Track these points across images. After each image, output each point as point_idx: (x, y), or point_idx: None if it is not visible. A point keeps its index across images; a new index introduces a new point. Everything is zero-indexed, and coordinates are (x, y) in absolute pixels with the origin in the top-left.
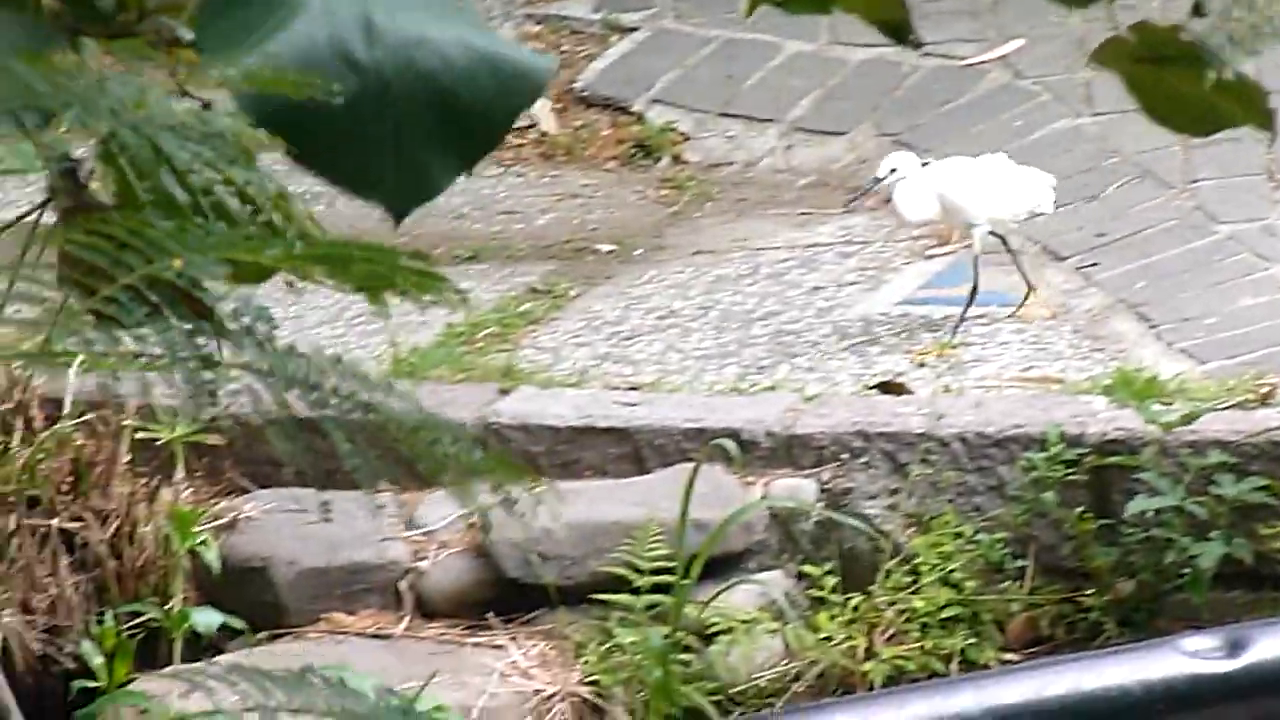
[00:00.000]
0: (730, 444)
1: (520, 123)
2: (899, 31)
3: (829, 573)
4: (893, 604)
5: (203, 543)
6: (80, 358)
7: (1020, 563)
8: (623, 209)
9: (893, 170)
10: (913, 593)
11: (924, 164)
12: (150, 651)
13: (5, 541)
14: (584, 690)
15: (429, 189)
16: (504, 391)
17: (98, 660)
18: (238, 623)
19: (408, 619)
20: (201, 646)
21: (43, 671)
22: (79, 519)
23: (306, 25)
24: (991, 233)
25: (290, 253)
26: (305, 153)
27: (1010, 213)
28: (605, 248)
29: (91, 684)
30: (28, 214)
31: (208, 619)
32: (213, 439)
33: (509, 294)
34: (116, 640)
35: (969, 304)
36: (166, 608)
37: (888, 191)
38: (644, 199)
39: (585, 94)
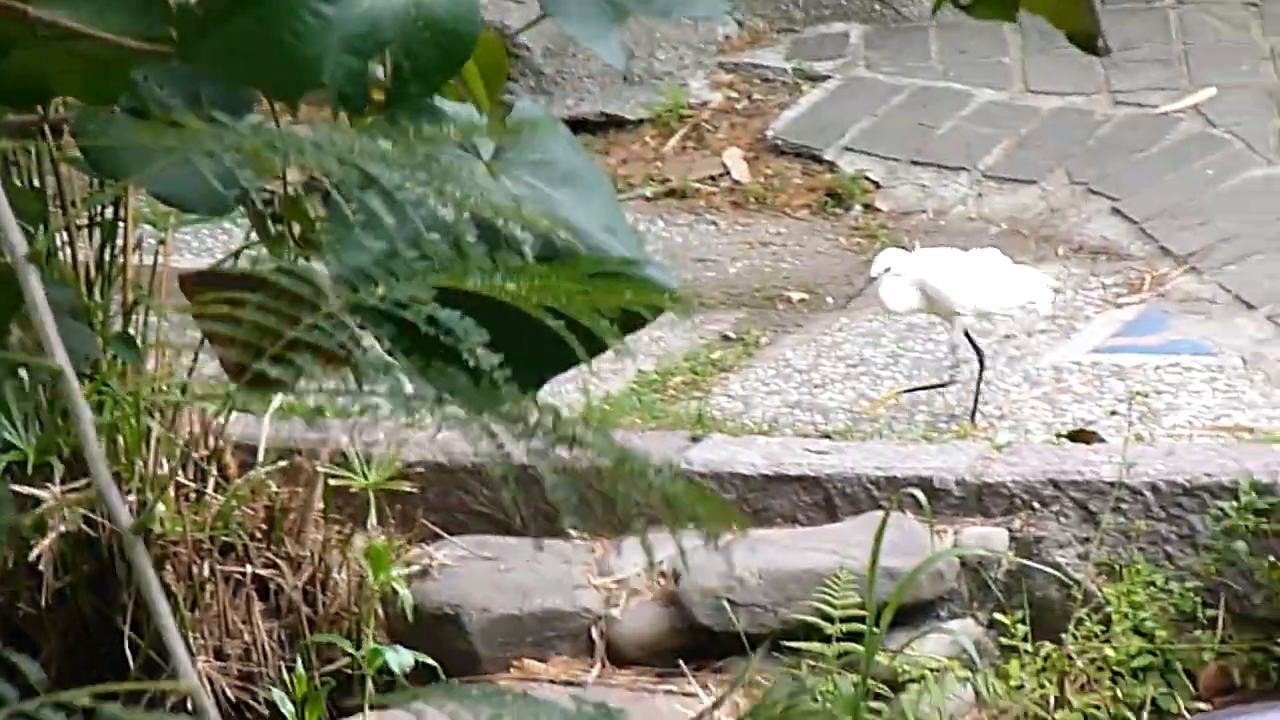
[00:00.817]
0: (920, 493)
1: (713, 171)
2: (1088, 41)
3: (1020, 621)
4: (1084, 652)
5: (396, 584)
6: (275, 403)
7: (1212, 611)
8: (814, 257)
9: (886, 269)
10: (1104, 641)
11: (909, 252)
12: (342, 698)
13: (199, 588)
14: None
15: None
16: (695, 439)
17: (289, 708)
18: (431, 662)
19: (599, 666)
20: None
21: (236, 719)
22: (273, 566)
23: None
24: (968, 334)
25: (501, 282)
26: None
27: (998, 305)
28: (796, 296)
29: None
30: (225, 259)
31: (401, 658)
32: (405, 485)
33: (700, 341)
34: (307, 687)
35: (979, 384)
36: (360, 653)
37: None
38: (835, 247)
39: (777, 142)
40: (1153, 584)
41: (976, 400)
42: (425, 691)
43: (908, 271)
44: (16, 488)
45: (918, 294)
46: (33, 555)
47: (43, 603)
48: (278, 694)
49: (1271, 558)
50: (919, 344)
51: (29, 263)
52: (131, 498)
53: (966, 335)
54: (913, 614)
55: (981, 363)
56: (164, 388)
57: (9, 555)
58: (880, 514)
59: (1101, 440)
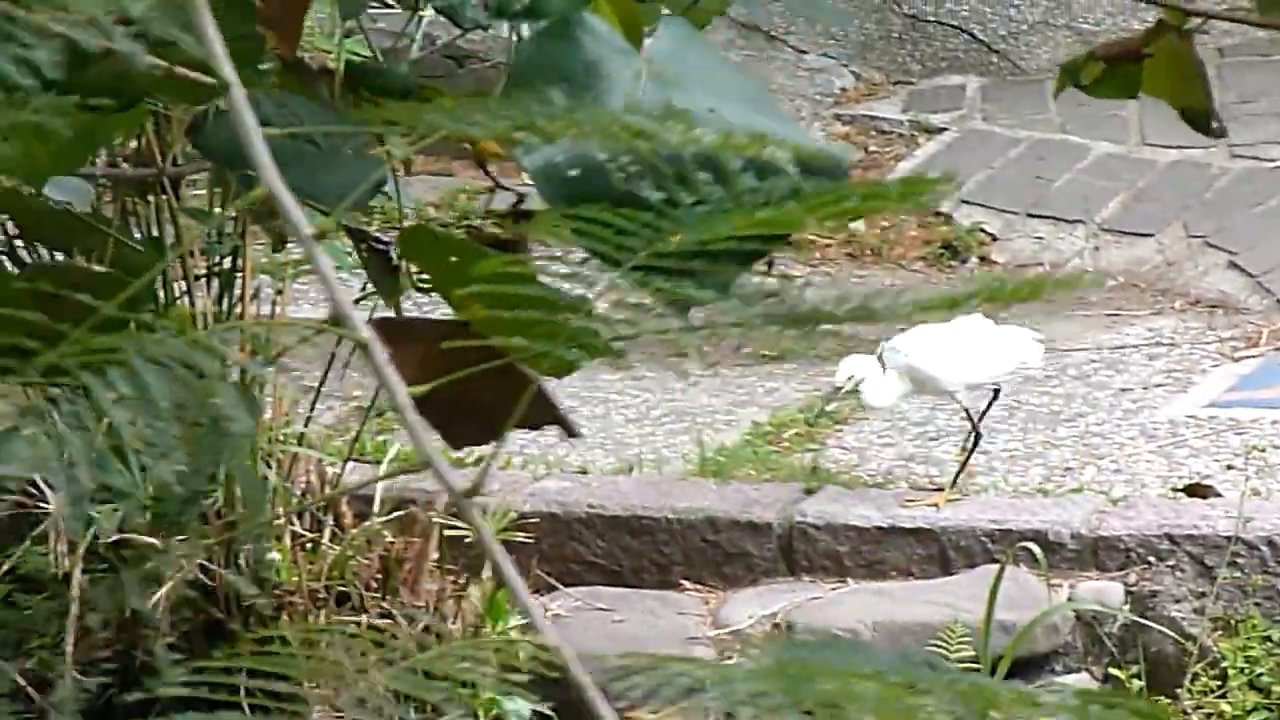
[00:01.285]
0: (1035, 546)
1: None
2: (1203, 120)
3: (1135, 676)
4: (1199, 708)
5: (512, 632)
6: (390, 455)
7: None
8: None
9: (850, 378)
10: (1219, 696)
11: (887, 342)
12: None
13: (315, 639)
14: None
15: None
16: (809, 491)
17: None
18: (547, 711)
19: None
20: None
21: None
22: (388, 616)
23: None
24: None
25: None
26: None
27: (988, 375)
28: None
29: None
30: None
31: (518, 708)
32: (519, 536)
33: (815, 393)
34: None
35: (970, 452)
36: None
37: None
38: (946, 280)
39: None
40: (1269, 639)
41: (963, 467)
42: None
43: (892, 359)
44: (132, 536)
45: (905, 382)
46: (149, 603)
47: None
48: None
49: None
50: (1034, 397)
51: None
52: (248, 547)
53: (965, 410)
54: (1027, 668)
55: (977, 436)
56: (281, 438)
57: (126, 605)
58: (995, 567)
59: (1218, 495)
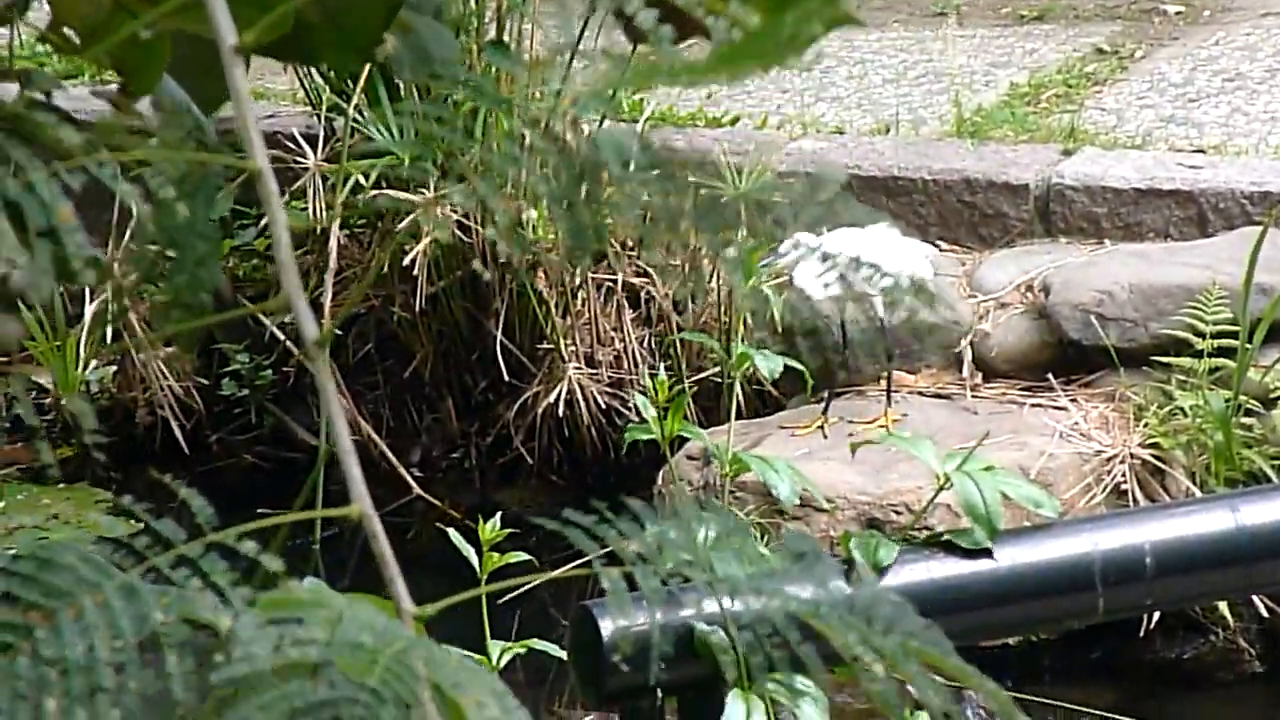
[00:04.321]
0: None
1: None
2: None
3: None
4: None
5: (766, 291)
6: (646, 113)
7: None
8: None
9: (795, 245)
10: None
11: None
12: (707, 408)
13: (570, 295)
14: (1144, 453)
15: None
16: (1067, 153)
17: (651, 413)
18: (799, 366)
19: (969, 379)
20: (761, 402)
21: (606, 425)
22: (643, 274)
23: None
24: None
25: None
26: None
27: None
28: (1172, 9)
29: (645, 436)
30: None
31: (770, 363)
32: (776, 196)
33: (1074, 54)
34: (671, 394)
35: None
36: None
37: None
38: None
39: None
40: None
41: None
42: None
43: (820, 255)
44: (392, 192)
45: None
46: (406, 260)
47: (417, 307)
48: (640, 399)
49: None
50: None
51: (237, 55)
52: (509, 205)
53: (880, 322)
54: None
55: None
56: (539, 95)
57: (384, 261)
58: (1255, 229)
59: None
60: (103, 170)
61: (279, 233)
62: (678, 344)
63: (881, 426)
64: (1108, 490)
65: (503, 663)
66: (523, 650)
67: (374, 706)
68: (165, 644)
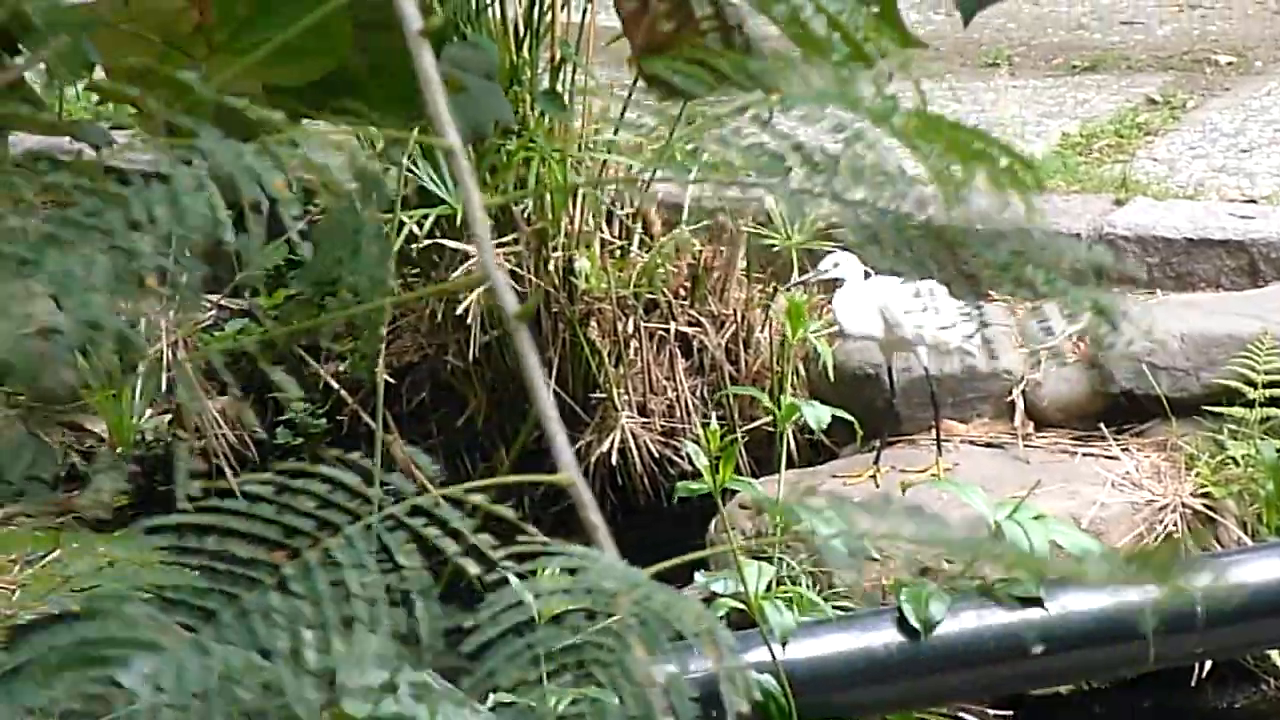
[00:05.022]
0: None
1: None
2: None
3: None
4: None
5: (816, 342)
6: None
7: None
8: (1243, 20)
9: (836, 265)
10: None
11: (866, 274)
12: (759, 457)
13: (624, 344)
14: (1196, 502)
15: None
16: (1119, 203)
17: (703, 461)
18: (848, 417)
19: (1020, 428)
20: (814, 452)
21: (659, 473)
22: (696, 323)
23: None
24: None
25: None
26: None
27: (957, 335)
28: (1224, 59)
29: (696, 486)
30: None
31: (818, 414)
32: (828, 245)
33: (1126, 105)
34: (723, 444)
35: (937, 415)
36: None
37: (820, 282)
38: (1264, 9)
39: None
40: None
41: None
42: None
43: (866, 294)
44: (447, 242)
45: (879, 320)
46: (459, 309)
47: (469, 356)
48: (691, 447)
49: None
50: None
51: (422, 38)
52: (558, 254)
53: (924, 369)
54: None
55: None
56: (591, 144)
57: (439, 310)
58: None
59: None
60: (296, 151)
61: (474, 211)
62: (729, 390)
63: (933, 475)
64: (1159, 539)
65: None
66: None
67: (618, 650)
68: (412, 589)
